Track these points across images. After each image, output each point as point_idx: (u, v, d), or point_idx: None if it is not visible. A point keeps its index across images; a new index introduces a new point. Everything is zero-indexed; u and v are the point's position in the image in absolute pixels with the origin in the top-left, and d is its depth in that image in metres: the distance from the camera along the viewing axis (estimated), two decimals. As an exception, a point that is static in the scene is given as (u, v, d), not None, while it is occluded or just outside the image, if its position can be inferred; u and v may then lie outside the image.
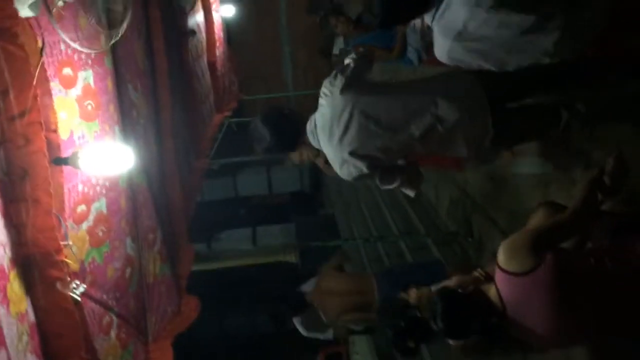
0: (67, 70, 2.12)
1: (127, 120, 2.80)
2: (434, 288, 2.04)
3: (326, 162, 3.10)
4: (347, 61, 2.45)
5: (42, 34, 1.88)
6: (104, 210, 2.45)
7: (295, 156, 3.33)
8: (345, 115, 2.34)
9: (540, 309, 1.68)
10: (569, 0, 1.85)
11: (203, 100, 5.90)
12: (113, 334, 2.50)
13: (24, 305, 1.90)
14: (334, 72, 2.48)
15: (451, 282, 1.89)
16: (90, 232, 2.35)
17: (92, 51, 2.16)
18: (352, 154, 2.33)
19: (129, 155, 2.08)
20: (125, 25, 2.25)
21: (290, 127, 2.66)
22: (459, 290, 1.80)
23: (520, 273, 1.65)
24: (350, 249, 6.88)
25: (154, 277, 3.14)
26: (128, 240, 2.74)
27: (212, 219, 8.06)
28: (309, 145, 3.04)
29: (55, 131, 1.97)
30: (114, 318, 2.55)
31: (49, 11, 1.86)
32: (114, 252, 2.56)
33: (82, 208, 2.28)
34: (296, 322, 4.02)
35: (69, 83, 2.14)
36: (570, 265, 1.68)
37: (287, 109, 2.73)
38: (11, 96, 1.76)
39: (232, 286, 8.50)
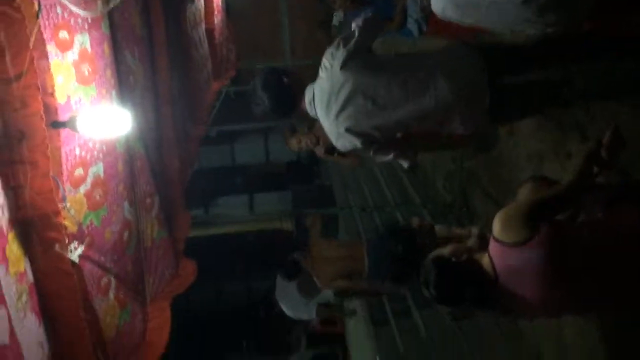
0: (63, 34, 2.12)
1: (124, 86, 2.80)
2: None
3: (326, 151, 3.13)
4: (353, 26, 2.40)
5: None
6: (101, 174, 2.47)
7: (293, 144, 3.34)
8: (344, 93, 2.33)
9: (532, 279, 1.71)
10: None
11: (201, 67, 5.86)
12: (111, 294, 2.56)
13: (23, 265, 1.94)
14: (337, 41, 2.44)
15: (445, 250, 1.91)
16: (88, 195, 2.38)
17: (89, 14, 2.15)
18: (348, 130, 2.34)
19: (127, 119, 2.10)
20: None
21: (289, 95, 2.66)
22: (453, 259, 1.82)
23: (515, 244, 1.67)
24: (347, 218, 6.95)
25: (152, 240, 3.18)
26: (126, 204, 2.77)
27: (209, 186, 8.09)
28: (308, 134, 3.06)
29: (52, 95, 1.98)
30: (112, 279, 2.60)
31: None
32: (111, 215, 2.60)
33: (79, 171, 2.30)
34: (283, 305, 4.10)
35: (65, 46, 2.14)
36: (564, 238, 1.70)
37: (287, 73, 2.71)
38: (7, 58, 1.76)
39: (229, 252, 8.59)
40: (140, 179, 3.00)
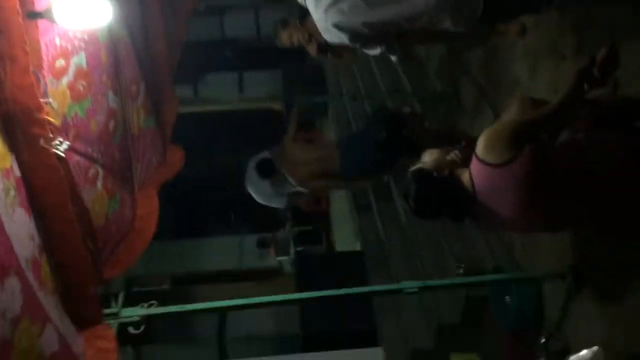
0: None
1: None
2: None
3: (318, 50, 3.03)
4: None
5: None
6: (84, 65, 2.40)
7: (284, 38, 3.22)
8: None
9: (511, 199, 1.73)
10: None
11: None
12: (99, 184, 2.60)
13: (9, 161, 1.94)
14: None
15: (427, 163, 1.93)
16: (71, 87, 2.33)
17: None
18: (336, 25, 2.29)
19: (107, 8, 2.00)
20: None
21: None
22: (434, 174, 1.84)
23: (497, 164, 1.67)
24: (338, 105, 6.91)
25: (139, 129, 3.18)
26: (110, 94, 2.73)
27: (198, 61, 7.88)
28: (300, 28, 2.95)
29: (26, -17, 1.87)
30: (99, 169, 2.63)
31: None
32: (96, 106, 2.57)
33: (60, 63, 2.23)
34: (252, 192, 4.16)
35: None
36: (546, 159, 1.71)
37: None
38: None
39: (219, 129, 8.59)
40: (125, 67, 2.93)
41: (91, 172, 2.53)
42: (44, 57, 2.10)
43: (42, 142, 2.03)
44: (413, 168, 1.92)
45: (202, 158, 8.75)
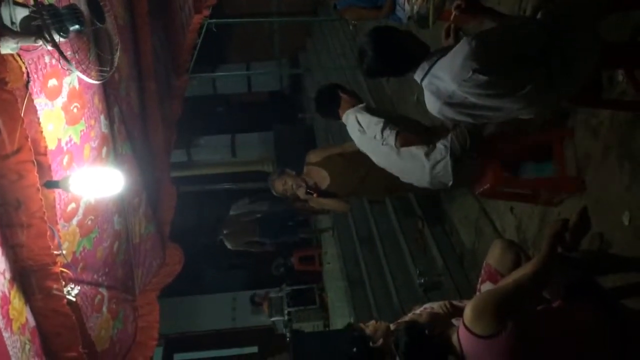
0: (52, 82, 2.11)
1: (110, 97, 2.78)
2: (393, 325, 2.23)
3: (306, 192, 3.28)
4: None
5: (27, 66, 1.86)
6: (92, 201, 2.54)
7: (278, 186, 3.50)
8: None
9: None
10: (543, 73, 1.93)
11: (182, 5, 5.64)
12: (104, 309, 2.71)
13: (24, 315, 2.07)
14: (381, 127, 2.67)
15: (422, 317, 2.06)
16: (80, 224, 2.46)
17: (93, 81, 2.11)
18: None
19: (119, 178, 2.15)
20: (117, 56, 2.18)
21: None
22: (426, 331, 1.96)
23: (482, 336, 1.81)
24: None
25: (140, 236, 3.30)
26: (115, 218, 2.86)
27: (190, 117, 8.03)
28: (292, 175, 3.26)
29: (44, 154, 2.01)
30: (104, 293, 2.74)
31: (63, 56, 1.82)
32: (102, 234, 2.69)
33: (72, 206, 2.37)
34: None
35: (54, 94, 2.13)
36: (527, 334, 1.84)
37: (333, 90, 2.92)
38: (4, 136, 1.80)
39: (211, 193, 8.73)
40: (129, 184, 3.05)
41: (97, 298, 2.65)
42: (57, 206, 2.23)
43: (54, 291, 2.15)
44: (408, 319, 2.04)
45: (194, 213, 8.85)
